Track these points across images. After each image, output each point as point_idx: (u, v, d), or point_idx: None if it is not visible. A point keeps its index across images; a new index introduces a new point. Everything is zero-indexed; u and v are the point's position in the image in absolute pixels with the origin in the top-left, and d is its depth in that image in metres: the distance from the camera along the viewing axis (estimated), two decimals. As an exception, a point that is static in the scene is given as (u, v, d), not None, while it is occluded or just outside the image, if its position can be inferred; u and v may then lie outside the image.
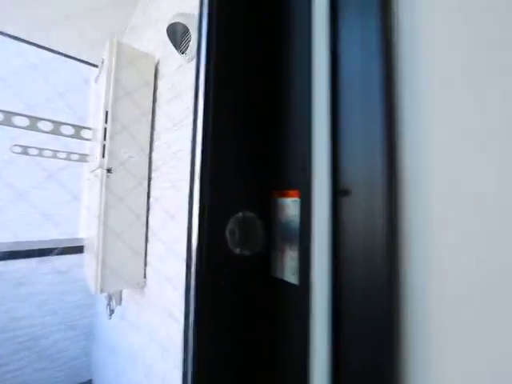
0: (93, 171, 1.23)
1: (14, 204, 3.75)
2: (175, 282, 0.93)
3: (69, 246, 2.11)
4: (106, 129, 1.09)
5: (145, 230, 1.16)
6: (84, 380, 2.08)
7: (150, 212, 1.17)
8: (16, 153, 2.24)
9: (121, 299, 1.44)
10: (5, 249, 1.87)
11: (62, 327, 2.01)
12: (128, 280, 1.11)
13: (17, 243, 2.28)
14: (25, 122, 1.37)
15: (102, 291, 1.03)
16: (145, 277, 1.15)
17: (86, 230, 1.33)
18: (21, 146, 2.23)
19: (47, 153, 2.34)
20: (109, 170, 1.08)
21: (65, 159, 2.43)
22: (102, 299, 1.86)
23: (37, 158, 2.15)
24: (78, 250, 2.11)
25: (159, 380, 0.95)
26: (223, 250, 0.28)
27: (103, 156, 1.08)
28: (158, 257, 1.08)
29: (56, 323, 1.98)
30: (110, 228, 1.07)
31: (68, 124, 1.50)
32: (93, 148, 1.32)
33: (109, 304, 1.43)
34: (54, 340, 1.98)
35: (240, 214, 0.30)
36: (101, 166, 1.08)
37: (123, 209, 1.11)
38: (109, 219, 1.07)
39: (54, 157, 2.37)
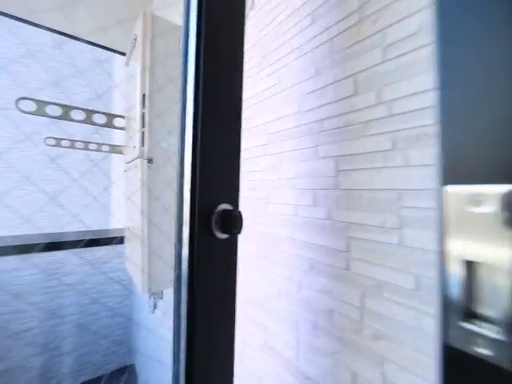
0: (130, 162, 1.15)
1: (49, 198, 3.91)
2: None
3: (103, 237, 2.13)
4: (143, 114, 0.99)
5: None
6: (127, 364, 2.16)
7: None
8: (50, 145, 2.26)
9: (162, 294, 1.40)
10: (43, 240, 1.91)
11: (103, 315, 2.06)
12: (167, 281, 1.04)
13: (57, 234, 2.34)
14: (57, 111, 1.31)
15: (149, 291, 0.97)
16: (190, 274, 1.07)
17: (127, 221, 1.27)
18: (54, 138, 2.24)
19: (79, 144, 2.34)
20: (150, 161, 0.99)
21: (96, 150, 2.43)
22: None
23: (70, 149, 2.14)
24: (112, 241, 2.13)
25: None
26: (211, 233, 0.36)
27: (142, 145, 0.99)
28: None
29: (98, 311, 2.04)
30: (154, 224, 0.99)
31: (100, 113, 1.43)
32: (128, 138, 1.23)
33: (150, 298, 1.40)
34: (98, 327, 2.04)
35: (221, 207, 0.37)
36: (140, 156, 0.99)
37: (165, 202, 1.02)
38: (153, 215, 0.99)
39: (86, 148, 2.36)
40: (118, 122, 1.49)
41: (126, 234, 1.28)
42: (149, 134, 0.99)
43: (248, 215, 0.80)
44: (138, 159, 1.01)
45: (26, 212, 3.57)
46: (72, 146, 2.29)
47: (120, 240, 2.16)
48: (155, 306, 1.35)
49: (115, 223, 3.68)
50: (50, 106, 1.29)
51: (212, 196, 0.36)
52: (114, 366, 2.11)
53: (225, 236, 0.37)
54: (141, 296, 1.91)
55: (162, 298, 1.41)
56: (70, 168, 3.99)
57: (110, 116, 1.46)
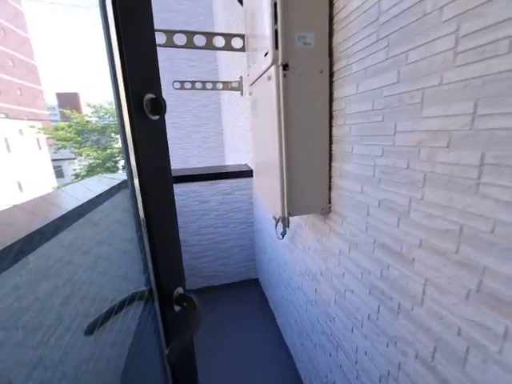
0: (258, 78, 1.03)
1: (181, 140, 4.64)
2: (372, 209, 0.66)
3: (228, 171, 2.34)
4: (275, 5, 0.79)
5: (328, 145, 0.91)
6: (253, 277, 2.56)
7: (334, 121, 0.88)
8: (176, 88, 2.48)
9: (288, 222, 1.41)
10: (182, 173, 2.28)
11: (233, 237, 2.42)
12: (313, 205, 0.95)
13: (190, 169, 2.76)
14: (182, 39, 1.30)
15: (289, 215, 0.93)
16: (330, 202, 0.95)
17: (256, 153, 1.25)
18: (179, 81, 2.43)
19: (198, 85, 2.46)
20: (285, 67, 0.82)
21: (212, 89, 2.51)
22: (262, 217, 2.00)
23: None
24: (236, 175, 2.31)
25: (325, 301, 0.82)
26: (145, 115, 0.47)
27: (276, 47, 0.82)
28: (348, 178, 0.82)
29: (228, 233, 2.40)
30: (291, 145, 0.88)
31: (219, 34, 1.33)
32: (252, 53, 1.09)
33: (276, 225, 1.43)
34: (229, 246, 2.44)
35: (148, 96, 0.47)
36: (274, 62, 0.83)
37: (304, 119, 0.87)
38: (290, 134, 0.87)
39: (204, 88, 2.47)
40: (236, 42, 1.37)
41: (257, 166, 1.26)
42: (283, 31, 0.80)
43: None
44: (271, 68, 0.86)
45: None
46: (193, 87, 2.43)
47: (239, 174, 2.33)
48: (284, 233, 1.38)
49: (229, 160, 4.09)
50: (177, 34, 1.27)
51: (140, 88, 0.45)
52: (243, 277, 2.55)
53: (156, 117, 0.48)
54: (262, 224, 2.07)
55: (288, 226, 1.41)
56: (189, 113, 4.51)
57: (229, 36, 1.34)
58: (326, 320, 1.09)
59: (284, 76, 0.83)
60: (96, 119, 15.14)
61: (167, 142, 0.53)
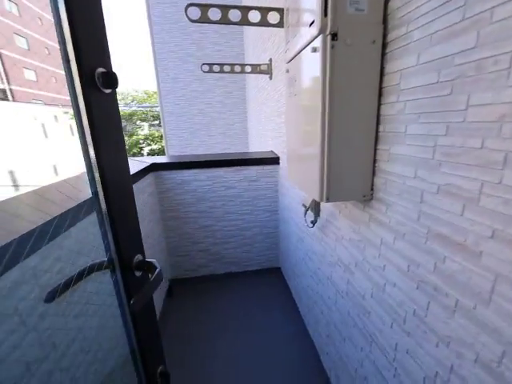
0: (298, 53, 0.96)
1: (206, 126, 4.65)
2: (428, 196, 0.59)
3: (252, 158, 2.30)
4: (327, -35, 0.71)
5: (375, 125, 0.83)
6: (275, 266, 2.55)
7: (384, 98, 0.80)
8: (205, 71, 2.45)
9: (319, 210, 1.35)
10: (208, 158, 2.27)
11: (257, 224, 2.41)
12: (353, 191, 0.89)
13: (215, 155, 2.75)
14: (217, 14, 1.24)
15: (327, 200, 0.87)
16: (372, 189, 0.88)
17: (290, 136, 1.19)
18: (208, 63, 2.39)
19: (226, 68, 2.41)
20: (334, 36, 0.75)
21: (240, 72, 2.45)
22: (288, 206, 1.96)
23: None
24: (262, 162, 2.26)
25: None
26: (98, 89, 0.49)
27: (325, 13, 0.74)
28: (398, 162, 0.74)
29: (252, 221, 2.39)
30: (334, 125, 0.81)
31: (255, 8, 1.26)
32: (295, 22, 1.01)
33: (306, 214, 1.38)
34: (253, 233, 2.43)
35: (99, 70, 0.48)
36: (322, 31, 0.76)
37: (350, 96, 0.80)
38: (334, 112, 0.80)
39: (232, 71, 2.41)
40: (272, 17, 1.29)
41: (291, 149, 1.20)
42: (333, -5, 0.72)
43: None
44: (318, 38, 0.78)
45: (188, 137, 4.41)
46: (221, 70, 2.38)
47: (265, 161, 2.28)
48: (315, 221, 1.32)
49: (253, 148, 4.04)
50: (211, 9, 1.22)
51: (91, 63, 0.46)
52: (265, 265, 2.54)
53: (108, 91, 0.51)
54: (287, 213, 2.03)
55: (319, 215, 1.35)
56: (213, 100, 4.48)
57: (265, 10, 1.27)
58: (358, 313, 1.04)
59: (332, 47, 0.75)
60: (123, 106, 15.67)
61: (120, 116, 0.56)
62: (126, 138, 14.31)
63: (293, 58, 1.03)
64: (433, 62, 0.62)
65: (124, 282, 0.57)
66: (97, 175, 0.51)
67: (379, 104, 0.81)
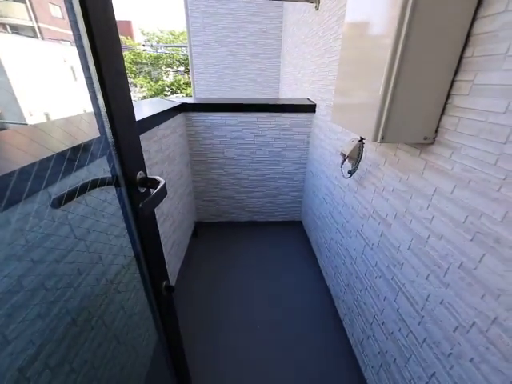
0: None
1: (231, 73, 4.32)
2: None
3: (287, 104, 2.13)
4: None
5: (460, 48, 0.67)
6: (297, 220, 2.57)
7: (483, 10, 0.62)
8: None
9: (360, 160, 1.25)
10: (242, 102, 2.14)
11: (284, 176, 2.35)
12: (413, 132, 0.77)
13: (247, 99, 2.58)
14: None
15: (382, 140, 0.77)
16: (437, 131, 0.76)
17: (344, 61, 1.03)
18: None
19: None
20: None
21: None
22: (319, 158, 1.86)
23: None
24: (297, 109, 2.09)
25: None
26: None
27: None
28: (485, 94, 0.61)
29: (279, 172, 2.34)
30: (409, 50, 0.66)
31: None
32: None
33: (343, 163, 1.29)
34: (278, 185, 2.40)
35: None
36: None
37: (435, 11, 0.63)
38: (411, 33, 0.64)
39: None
40: None
41: (342, 79, 1.05)
42: None
43: None
44: None
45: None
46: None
47: (301, 108, 2.10)
48: (352, 171, 1.24)
49: (282, 92, 3.76)
50: None
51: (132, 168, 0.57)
52: (287, 218, 2.57)
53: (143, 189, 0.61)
54: (317, 166, 1.94)
55: (358, 166, 1.26)
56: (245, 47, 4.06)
57: None
58: (388, 264, 1.02)
59: None
60: (149, 49, 14.98)
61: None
62: (152, 84, 14.04)
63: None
64: None
65: (129, 196, 0.60)
66: (100, 98, 0.48)
67: (474, 18, 0.64)
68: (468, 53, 0.67)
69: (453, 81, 0.71)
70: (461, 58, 0.68)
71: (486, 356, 0.61)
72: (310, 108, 2.06)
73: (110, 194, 0.80)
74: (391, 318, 1.00)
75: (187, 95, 13.60)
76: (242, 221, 2.58)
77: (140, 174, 0.62)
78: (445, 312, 0.73)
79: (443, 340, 0.74)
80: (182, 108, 2.04)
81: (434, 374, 0.77)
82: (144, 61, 13.84)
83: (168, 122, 1.72)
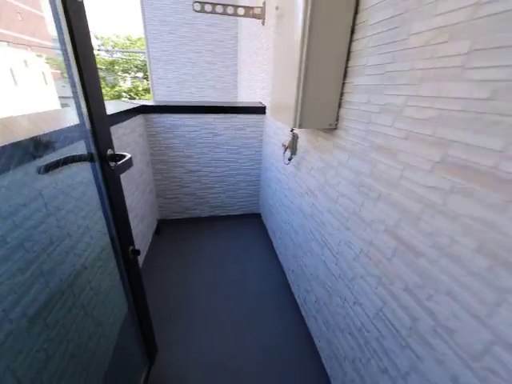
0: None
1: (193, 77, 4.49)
2: (373, 116, 0.76)
3: (240, 106, 2.37)
4: None
5: (344, 61, 0.97)
6: (256, 212, 2.80)
7: (355, 35, 0.92)
8: (196, 11, 2.37)
9: (297, 149, 1.52)
10: (199, 104, 2.32)
11: (240, 172, 2.58)
12: (321, 120, 1.05)
13: (205, 102, 2.77)
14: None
15: (300, 127, 1.03)
16: (337, 119, 1.05)
17: (275, 71, 1.29)
18: (199, 1, 2.30)
19: (219, 8, 2.34)
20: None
21: (233, 15, 2.39)
22: (271, 154, 2.12)
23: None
24: (250, 110, 2.35)
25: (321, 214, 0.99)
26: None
27: None
28: (358, 91, 0.90)
29: (236, 168, 2.55)
30: (311, 57, 0.93)
31: None
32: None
33: (285, 152, 1.56)
34: (236, 180, 2.61)
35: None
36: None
37: (327, 30, 0.91)
38: (311, 46, 0.92)
39: (225, 12, 2.35)
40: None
41: (274, 83, 1.31)
42: None
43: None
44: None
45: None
46: (213, 11, 2.31)
47: (252, 110, 2.37)
48: (290, 158, 1.51)
49: (240, 99, 4.04)
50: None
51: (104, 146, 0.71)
52: (246, 211, 2.79)
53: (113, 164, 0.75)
54: (270, 160, 2.20)
55: (296, 153, 1.53)
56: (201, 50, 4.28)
57: None
58: (317, 228, 1.29)
59: (313, -17, 0.85)
60: (104, 54, 14.30)
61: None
62: (107, 90, 13.38)
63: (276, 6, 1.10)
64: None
65: (102, 168, 0.75)
66: (76, 77, 0.63)
67: (351, 41, 0.94)
68: (350, 64, 0.96)
69: (343, 83, 1.00)
70: (346, 66, 0.98)
71: (368, 270, 0.88)
72: (261, 110, 2.33)
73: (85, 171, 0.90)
74: (322, 269, 1.26)
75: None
76: (204, 216, 2.72)
77: (110, 151, 0.78)
78: (348, 249, 1.00)
79: (348, 270, 1.01)
80: (142, 110, 2.15)
81: (345, 299, 1.04)
82: (98, 66, 13.16)
83: (127, 122, 1.82)
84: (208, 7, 2.29)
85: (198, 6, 2.27)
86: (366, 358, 0.91)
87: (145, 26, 4.20)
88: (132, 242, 0.98)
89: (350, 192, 0.98)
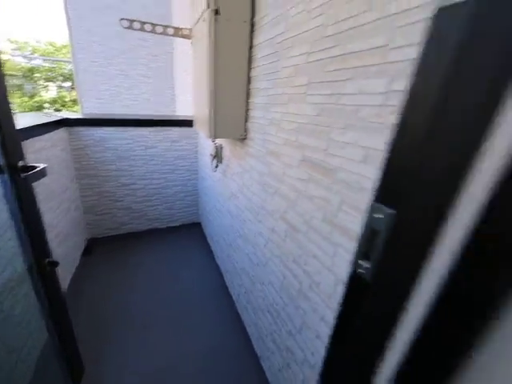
0: (197, 22, 1.21)
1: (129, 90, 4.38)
2: (266, 128, 0.99)
3: (174, 119, 2.47)
4: (208, -44, 0.98)
5: (246, 84, 1.18)
6: (196, 221, 2.86)
7: (252, 64, 1.15)
8: (124, 27, 2.40)
9: (222, 158, 1.69)
10: (131, 117, 2.33)
11: (178, 183, 2.63)
12: (233, 132, 1.24)
13: (138, 115, 2.77)
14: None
15: (215, 137, 1.20)
16: (245, 130, 1.26)
17: (194, 90, 1.45)
18: (127, 19, 2.35)
19: (148, 27, 2.43)
20: (216, 11, 1.04)
21: (162, 33, 2.50)
22: (205, 164, 2.25)
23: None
24: (184, 123, 2.46)
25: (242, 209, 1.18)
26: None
27: (208, -7, 1.02)
28: (257, 109, 1.12)
29: (173, 179, 2.60)
30: (219, 82, 1.12)
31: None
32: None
33: (213, 160, 1.71)
34: (174, 191, 2.65)
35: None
36: (208, 7, 1.04)
37: (230, 60, 1.12)
38: (218, 73, 1.10)
39: (153, 31, 2.45)
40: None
41: (195, 101, 1.47)
42: (213, -20, 1.00)
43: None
44: (207, 11, 1.06)
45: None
46: (142, 29, 2.40)
47: (187, 123, 2.48)
48: (217, 165, 1.66)
49: (178, 112, 4.10)
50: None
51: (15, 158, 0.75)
52: (186, 221, 2.82)
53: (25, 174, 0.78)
54: (205, 170, 2.33)
55: (221, 162, 1.70)
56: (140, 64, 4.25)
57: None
58: (241, 225, 1.45)
59: (215, 20, 1.05)
60: (22, 59, 12.56)
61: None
62: (25, 100, 11.70)
63: (196, 23, 1.28)
64: (269, 40, 0.98)
65: (12, 181, 0.77)
66: None
67: (249, 68, 1.17)
68: (251, 86, 1.18)
69: (248, 101, 1.22)
70: (248, 88, 1.20)
71: (273, 252, 1.07)
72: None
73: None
74: (246, 262, 1.42)
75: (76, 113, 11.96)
76: (143, 230, 2.65)
77: (21, 163, 0.79)
78: (260, 238, 1.19)
79: (262, 256, 1.19)
80: (65, 123, 2.05)
81: (262, 282, 1.21)
82: (12, 72, 11.46)
83: (48, 136, 1.73)
84: (136, 25, 2.36)
85: (126, 23, 2.32)
86: (278, 329, 1.08)
87: (70, 35, 3.96)
88: (48, 254, 0.97)
89: (258, 190, 1.18)
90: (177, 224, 2.79)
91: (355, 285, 0.52)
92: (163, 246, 2.50)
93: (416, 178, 0.38)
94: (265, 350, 1.26)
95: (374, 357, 0.48)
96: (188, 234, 2.71)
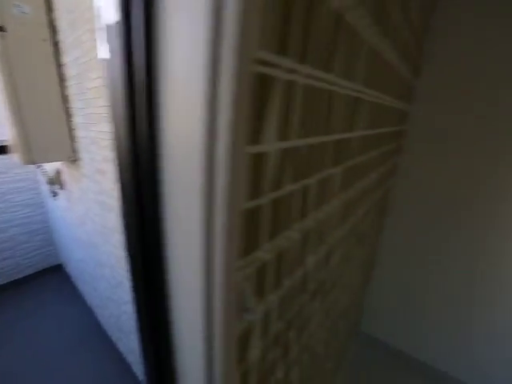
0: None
1: None
2: (89, 146, 1.01)
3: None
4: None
5: (61, 103, 1.13)
6: (54, 264, 2.35)
7: (66, 82, 1.11)
8: None
9: (62, 184, 1.51)
10: None
11: (15, 223, 2.09)
12: (58, 154, 1.15)
13: None
14: None
15: (33, 162, 1.07)
16: (73, 151, 1.19)
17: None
18: None
19: None
20: (1, 28, 0.94)
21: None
22: (48, 192, 1.92)
23: None
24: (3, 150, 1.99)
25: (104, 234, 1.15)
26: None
27: (-14, 7, 0.92)
28: (80, 128, 1.10)
29: (8, 220, 2.05)
30: (21, 101, 1.02)
31: None
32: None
33: (51, 187, 1.50)
34: (12, 234, 2.09)
35: None
36: (-14, 21, 0.93)
37: (32, 80, 1.04)
38: (19, 92, 1.00)
39: None
40: None
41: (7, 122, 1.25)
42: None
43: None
44: (-14, 25, 0.95)
45: None
46: None
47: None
48: (55, 193, 1.47)
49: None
50: None
51: None
52: (41, 266, 2.29)
53: None
54: (57, 202, 1.97)
55: (63, 188, 1.52)
56: None
57: None
58: (95, 252, 1.35)
59: (2, 37, 0.95)
60: None
61: None
62: None
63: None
64: (74, 60, 0.99)
65: None
66: None
67: (63, 87, 1.12)
68: (69, 105, 1.14)
69: (70, 121, 1.16)
70: (67, 108, 1.15)
71: (119, 264, 1.07)
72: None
73: None
74: (107, 287, 1.33)
75: None
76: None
77: None
78: (113, 257, 1.16)
79: (114, 274, 1.16)
80: None
81: (116, 299, 1.18)
82: None
83: None
84: None
85: None
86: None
87: None
88: None
89: (98, 210, 1.15)
90: (28, 273, 2.21)
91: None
92: (11, 306, 1.92)
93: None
94: (131, 353, 1.22)
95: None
96: (46, 280, 2.21)
